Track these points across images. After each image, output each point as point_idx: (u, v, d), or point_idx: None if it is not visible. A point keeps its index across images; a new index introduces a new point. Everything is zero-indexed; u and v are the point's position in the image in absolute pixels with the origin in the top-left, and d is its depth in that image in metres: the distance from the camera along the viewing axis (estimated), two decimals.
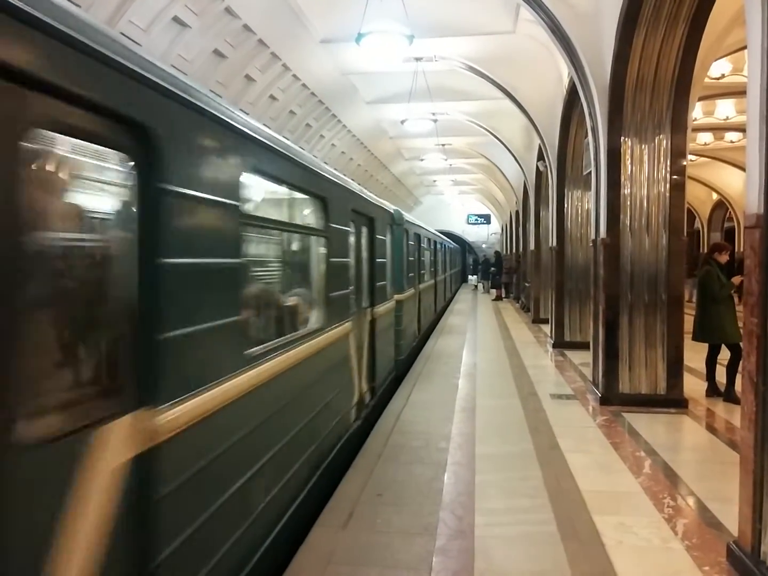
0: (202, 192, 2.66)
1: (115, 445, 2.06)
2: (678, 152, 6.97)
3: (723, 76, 12.59)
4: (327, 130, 15.54)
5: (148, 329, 2.27)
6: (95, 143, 2.13)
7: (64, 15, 1.85)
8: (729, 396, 7.12)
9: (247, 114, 4.03)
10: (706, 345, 7.48)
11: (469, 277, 37.78)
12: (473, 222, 39.90)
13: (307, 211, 5.03)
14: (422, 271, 13.42)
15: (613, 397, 7.11)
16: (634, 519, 4.13)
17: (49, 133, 1.91)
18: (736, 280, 7.20)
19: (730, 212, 26.40)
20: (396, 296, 8.87)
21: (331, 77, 12.76)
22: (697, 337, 7.36)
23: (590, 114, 7.54)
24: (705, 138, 19.47)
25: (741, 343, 6.20)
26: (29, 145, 1.74)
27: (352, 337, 5.75)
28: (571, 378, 8.85)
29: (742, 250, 20.05)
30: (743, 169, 19.07)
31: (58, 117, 1.87)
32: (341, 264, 5.29)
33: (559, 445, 5.75)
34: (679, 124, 6.91)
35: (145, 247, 2.26)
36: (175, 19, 8.18)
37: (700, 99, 12.05)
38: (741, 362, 4.01)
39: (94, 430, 1.98)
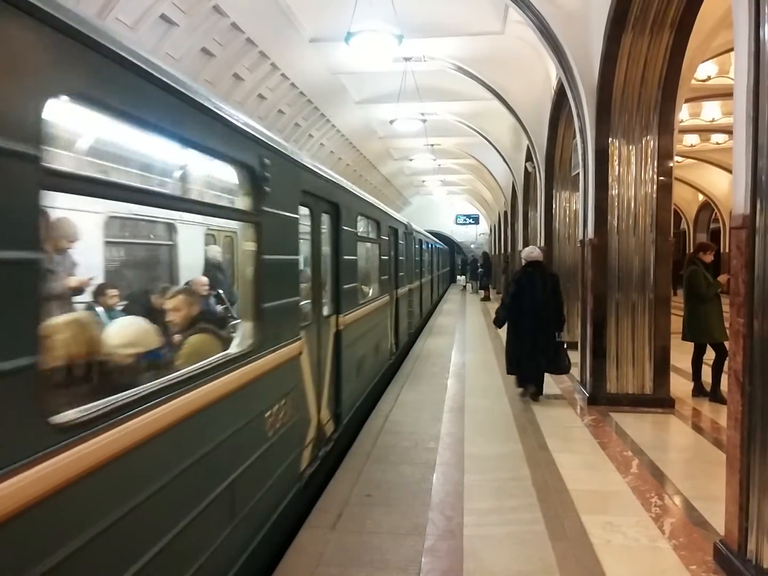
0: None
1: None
2: (665, 153, 7.01)
3: (709, 78, 12.71)
4: (316, 129, 15.51)
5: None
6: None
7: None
8: (715, 396, 7.18)
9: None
10: (693, 345, 7.53)
11: (458, 277, 37.88)
12: (462, 222, 40.03)
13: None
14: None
15: (600, 397, 7.15)
16: (621, 518, 4.15)
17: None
18: (723, 278, 7.26)
19: (716, 213, 26.65)
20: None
21: (320, 77, 12.73)
22: (685, 336, 7.41)
23: (578, 115, 7.58)
24: (691, 140, 19.65)
25: (726, 343, 6.28)
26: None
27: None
28: (558, 378, 8.88)
29: (727, 250, 20.25)
30: (729, 171, 19.27)
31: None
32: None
33: (547, 444, 5.77)
34: (666, 126, 6.95)
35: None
36: (163, 17, 8.13)
37: (687, 101, 12.14)
38: (727, 362, 4.05)
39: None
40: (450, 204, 38.26)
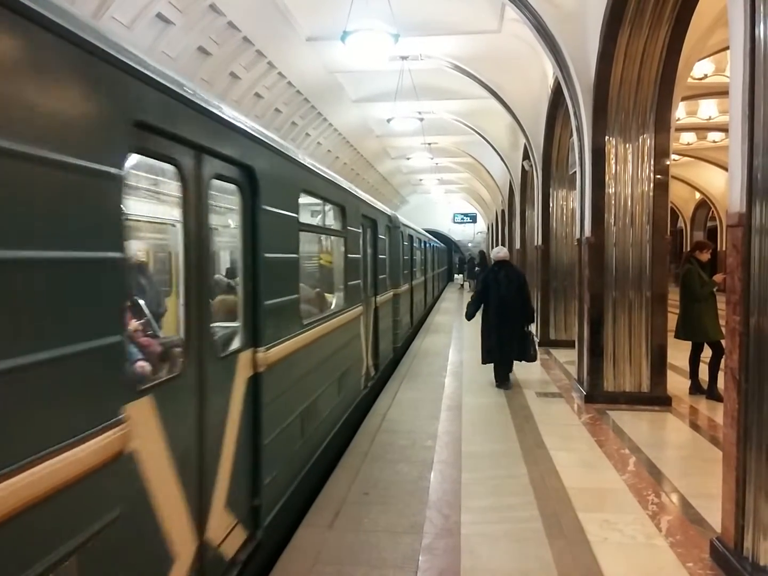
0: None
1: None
2: (661, 152, 7.02)
3: (706, 76, 12.71)
4: (313, 128, 15.49)
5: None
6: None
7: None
8: (711, 393, 7.20)
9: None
10: (690, 343, 7.55)
11: (455, 275, 37.92)
12: (459, 221, 40.01)
13: None
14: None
15: (597, 395, 7.16)
16: (618, 516, 4.16)
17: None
18: (718, 277, 7.28)
19: (712, 211, 26.69)
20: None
21: (317, 75, 12.71)
22: (679, 335, 7.43)
23: (575, 113, 7.58)
24: (688, 138, 19.68)
25: (722, 341, 6.31)
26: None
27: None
28: (556, 376, 8.91)
29: (724, 248, 20.27)
30: (726, 169, 19.29)
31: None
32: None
33: (545, 442, 5.78)
34: (662, 124, 6.96)
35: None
36: (159, 15, 8.10)
37: (684, 99, 12.17)
38: (723, 360, 4.06)
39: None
40: (447, 202, 38.26)
